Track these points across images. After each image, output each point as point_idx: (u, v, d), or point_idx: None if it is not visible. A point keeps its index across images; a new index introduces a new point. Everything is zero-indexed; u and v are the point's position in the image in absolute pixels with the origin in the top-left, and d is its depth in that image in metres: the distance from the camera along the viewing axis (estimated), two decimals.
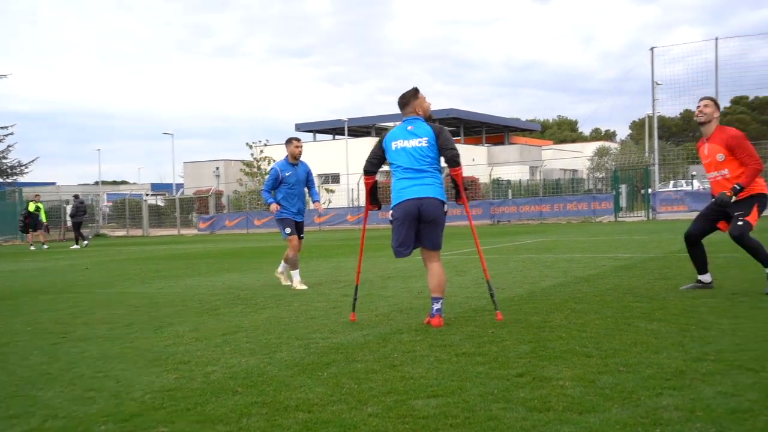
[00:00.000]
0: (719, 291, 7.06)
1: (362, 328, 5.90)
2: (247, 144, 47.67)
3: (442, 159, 6.02)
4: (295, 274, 9.23)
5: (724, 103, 52.16)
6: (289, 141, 9.27)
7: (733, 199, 6.72)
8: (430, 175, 5.96)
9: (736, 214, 6.78)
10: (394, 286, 8.84)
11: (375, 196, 6.45)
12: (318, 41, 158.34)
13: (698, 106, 7.05)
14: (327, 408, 3.61)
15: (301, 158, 9.38)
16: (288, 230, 9.26)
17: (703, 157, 7.08)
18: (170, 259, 16.93)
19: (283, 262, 9.55)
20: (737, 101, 62.57)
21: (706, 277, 7.26)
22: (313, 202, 9.74)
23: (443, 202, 6.00)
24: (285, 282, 9.42)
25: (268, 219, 38.44)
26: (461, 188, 6.11)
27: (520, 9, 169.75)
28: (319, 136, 61.87)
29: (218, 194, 44.08)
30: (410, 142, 5.99)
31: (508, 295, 7.51)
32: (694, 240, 7.19)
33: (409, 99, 6.12)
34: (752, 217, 6.75)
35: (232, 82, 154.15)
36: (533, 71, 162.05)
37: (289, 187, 9.21)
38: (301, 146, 9.33)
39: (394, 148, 6.04)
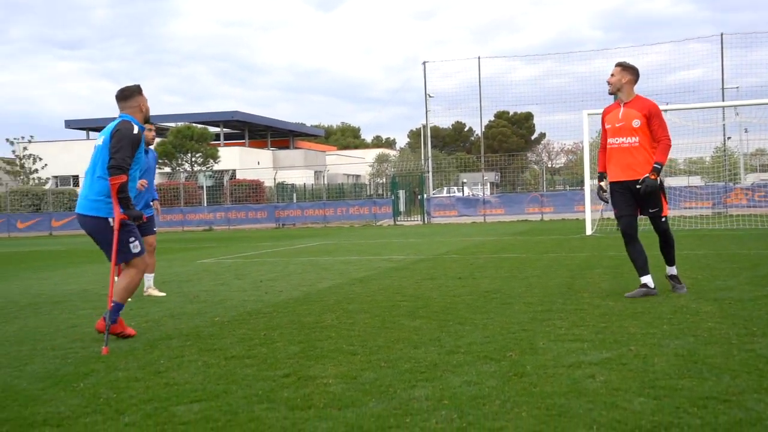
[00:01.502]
0: (476, 289, 7.68)
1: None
2: (7, 140, 43.54)
3: None
4: (148, 278, 8.19)
5: (488, 117, 56.11)
6: None
7: (659, 181, 6.54)
8: (90, 182, 5.51)
9: (652, 211, 6.69)
10: (169, 291, 8.54)
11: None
12: (91, 34, 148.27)
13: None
14: (79, 420, 3.41)
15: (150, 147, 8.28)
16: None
17: (615, 121, 6.68)
18: None
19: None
20: (500, 115, 68.03)
21: (648, 279, 6.64)
22: (152, 201, 8.40)
23: (97, 217, 5.44)
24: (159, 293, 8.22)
25: (33, 222, 35.34)
26: (114, 199, 5.37)
27: (304, 15, 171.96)
28: (93, 134, 57.91)
29: None
30: (100, 139, 5.53)
31: (284, 298, 7.58)
32: (633, 234, 6.77)
33: (133, 93, 5.66)
34: (665, 210, 6.77)
35: None
36: (318, 78, 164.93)
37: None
38: (154, 131, 8.25)
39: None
